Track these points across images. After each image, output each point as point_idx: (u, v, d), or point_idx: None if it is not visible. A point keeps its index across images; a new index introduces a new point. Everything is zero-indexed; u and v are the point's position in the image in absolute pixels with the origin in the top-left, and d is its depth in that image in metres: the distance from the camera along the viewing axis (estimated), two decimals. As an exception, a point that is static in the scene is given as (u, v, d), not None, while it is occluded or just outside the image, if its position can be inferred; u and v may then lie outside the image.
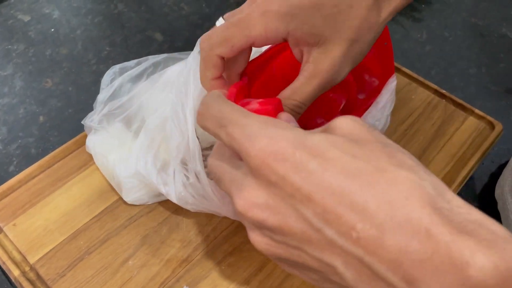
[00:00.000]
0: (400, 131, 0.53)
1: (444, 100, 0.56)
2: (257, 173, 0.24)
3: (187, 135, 0.39)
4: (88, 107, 0.57)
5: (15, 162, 0.52)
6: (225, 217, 0.45)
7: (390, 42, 0.44)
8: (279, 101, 0.32)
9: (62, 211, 0.45)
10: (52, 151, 0.51)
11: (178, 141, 0.40)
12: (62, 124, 0.56)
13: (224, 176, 0.28)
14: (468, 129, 0.54)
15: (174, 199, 0.41)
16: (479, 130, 0.54)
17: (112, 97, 0.49)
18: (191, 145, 0.38)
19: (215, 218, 0.45)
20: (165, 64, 0.52)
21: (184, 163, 0.40)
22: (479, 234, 0.19)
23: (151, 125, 0.44)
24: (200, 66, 0.34)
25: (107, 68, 0.62)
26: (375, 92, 0.45)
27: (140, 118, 0.48)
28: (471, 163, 0.50)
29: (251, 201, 0.24)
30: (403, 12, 0.73)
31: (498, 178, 0.53)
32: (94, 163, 0.48)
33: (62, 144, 0.51)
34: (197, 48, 0.41)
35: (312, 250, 0.23)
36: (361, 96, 0.45)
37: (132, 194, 0.45)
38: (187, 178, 0.40)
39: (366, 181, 0.21)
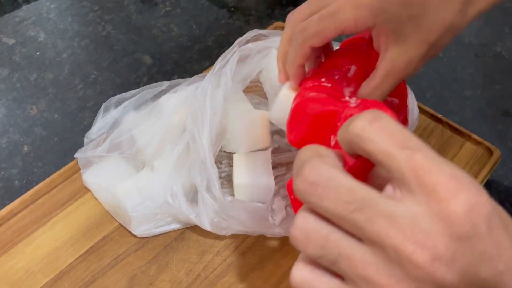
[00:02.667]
0: (396, 158, 0.52)
1: (440, 125, 0.55)
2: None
3: (205, 161, 0.39)
4: (73, 136, 0.56)
5: (-3, 196, 0.50)
6: (216, 255, 0.43)
7: None
8: None
9: (45, 251, 0.43)
10: (36, 183, 0.49)
11: (199, 168, 0.40)
12: (46, 154, 0.54)
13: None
14: (465, 156, 0.52)
15: (208, 227, 0.40)
16: (477, 157, 0.52)
17: (112, 128, 0.48)
18: (209, 172, 0.39)
19: (206, 255, 0.43)
20: (164, 93, 0.50)
21: (209, 190, 0.40)
22: None
23: (174, 156, 0.43)
24: (291, 54, 0.36)
25: (94, 93, 0.61)
26: (398, 111, 0.44)
27: (139, 148, 0.46)
28: (470, 192, 0.49)
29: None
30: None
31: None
32: (79, 197, 0.46)
33: (47, 175, 0.49)
34: (213, 71, 0.44)
35: None
36: None
37: (141, 227, 0.43)
38: (215, 202, 0.40)
39: None
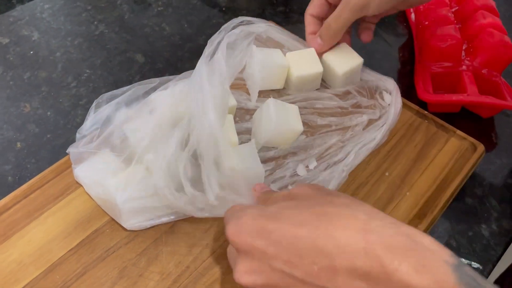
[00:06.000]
0: (383, 153, 0.53)
1: (426, 121, 0.56)
2: (237, 249, 0.32)
3: (213, 133, 0.40)
4: (66, 133, 0.56)
5: (-10, 191, 0.51)
6: (205, 247, 0.44)
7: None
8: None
9: (38, 244, 0.44)
10: (29, 178, 0.50)
11: (206, 141, 0.41)
12: (39, 151, 0.55)
13: (230, 257, 0.38)
14: (450, 151, 0.53)
15: (212, 197, 0.41)
16: (461, 152, 0.53)
17: (104, 124, 0.49)
18: (218, 142, 0.40)
19: (195, 248, 0.44)
20: (155, 89, 0.51)
21: (216, 163, 0.41)
22: (405, 244, 0.26)
23: (172, 144, 0.44)
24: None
25: (87, 91, 0.62)
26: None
27: (130, 143, 0.47)
28: (454, 185, 0.50)
29: (241, 270, 0.32)
30: (385, 29, 0.73)
31: (481, 199, 0.53)
32: (71, 192, 0.47)
33: (40, 171, 0.50)
34: (203, 55, 0.46)
35: None
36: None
37: (132, 220, 0.44)
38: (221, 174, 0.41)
39: (312, 226, 0.28)
